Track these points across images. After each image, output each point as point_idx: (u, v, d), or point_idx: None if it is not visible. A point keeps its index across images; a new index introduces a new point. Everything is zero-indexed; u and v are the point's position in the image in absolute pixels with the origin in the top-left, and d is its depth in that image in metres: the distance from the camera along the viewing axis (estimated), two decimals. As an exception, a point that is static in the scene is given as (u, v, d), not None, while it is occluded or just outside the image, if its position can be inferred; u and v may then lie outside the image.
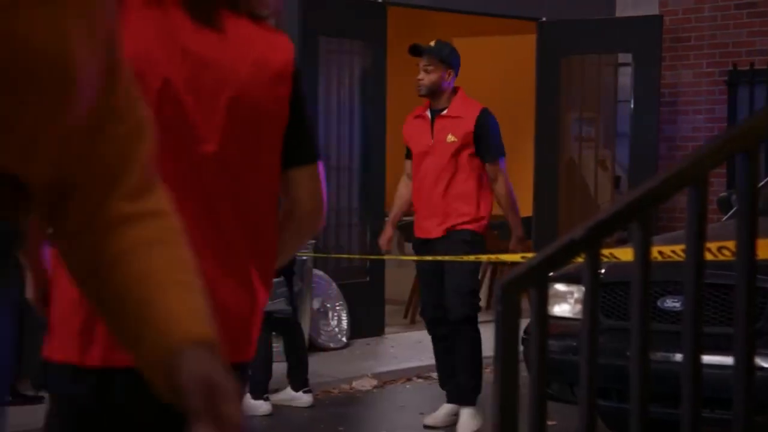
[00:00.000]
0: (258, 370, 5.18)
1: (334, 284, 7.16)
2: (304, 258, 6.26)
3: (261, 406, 5.29)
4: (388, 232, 5.37)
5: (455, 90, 5.15)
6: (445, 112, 5.08)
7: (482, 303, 8.82)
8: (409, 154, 5.24)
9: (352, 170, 7.52)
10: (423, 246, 5.12)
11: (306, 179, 2.01)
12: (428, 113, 5.16)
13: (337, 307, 7.13)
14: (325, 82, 7.27)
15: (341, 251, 7.36)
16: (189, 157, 1.83)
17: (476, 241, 5.04)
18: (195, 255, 1.25)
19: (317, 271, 6.97)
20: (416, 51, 5.18)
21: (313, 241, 6.45)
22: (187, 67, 1.82)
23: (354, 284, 7.36)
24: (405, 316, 8.25)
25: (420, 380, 6.38)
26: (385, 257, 7.07)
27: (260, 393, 5.33)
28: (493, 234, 8.74)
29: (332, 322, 7.10)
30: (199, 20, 1.84)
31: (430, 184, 5.00)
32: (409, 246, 8.34)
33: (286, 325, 5.48)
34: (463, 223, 4.98)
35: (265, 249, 1.94)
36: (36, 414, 5.20)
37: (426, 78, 5.11)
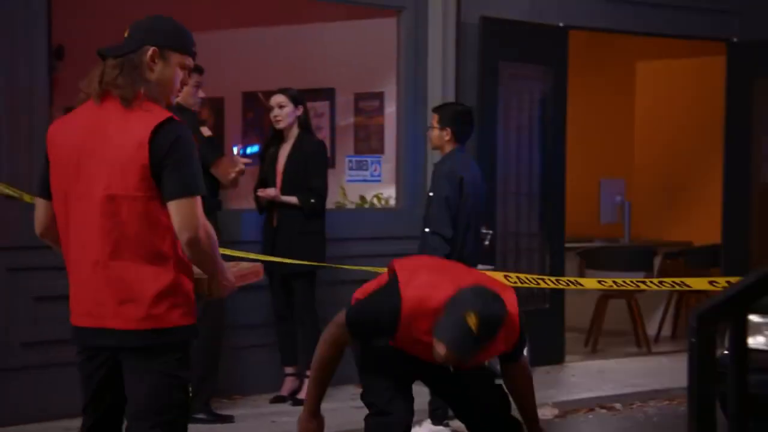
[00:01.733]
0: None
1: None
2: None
3: (441, 432, 5.29)
4: None
5: None
6: None
7: (667, 332, 8.60)
8: None
9: (531, 195, 7.44)
10: None
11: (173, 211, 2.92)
12: None
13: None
14: (504, 108, 7.24)
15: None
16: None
17: None
18: None
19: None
20: None
21: (491, 267, 6.41)
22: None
23: (534, 311, 7.26)
24: (586, 345, 8.08)
25: (603, 411, 6.23)
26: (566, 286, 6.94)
27: (440, 419, 5.34)
28: (678, 262, 8.47)
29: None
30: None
31: None
32: (590, 273, 8.19)
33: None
34: None
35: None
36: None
37: None
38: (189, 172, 2.93)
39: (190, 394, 3.03)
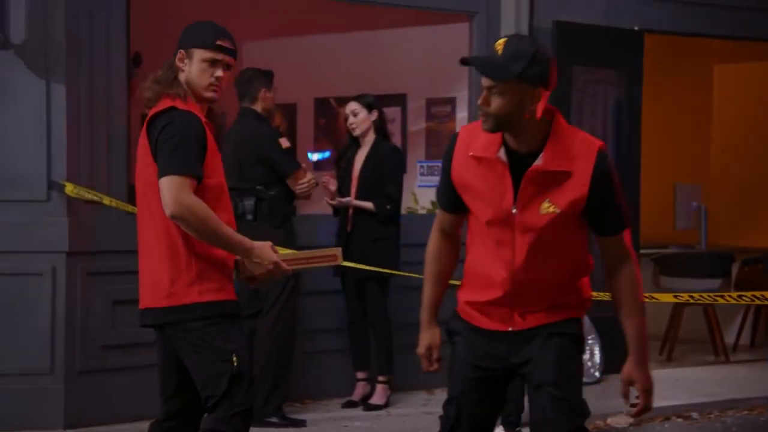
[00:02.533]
0: (513, 403, 5.16)
1: (586, 318, 7.02)
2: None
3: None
4: None
5: None
6: None
7: (745, 341, 8.42)
8: None
9: (605, 201, 7.35)
10: None
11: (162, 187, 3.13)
12: None
13: (590, 341, 6.98)
14: (577, 112, 7.17)
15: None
16: None
17: None
18: None
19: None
20: None
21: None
22: None
23: (607, 318, 7.14)
24: (660, 353, 7.95)
25: (679, 420, 6.13)
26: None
27: (513, 426, 5.30)
28: (757, 268, 8.29)
29: (585, 356, 6.96)
30: None
31: None
32: (665, 280, 8.06)
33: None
34: None
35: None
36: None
37: None
38: (171, 153, 3.15)
39: (235, 363, 3.20)
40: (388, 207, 5.89)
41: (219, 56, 3.28)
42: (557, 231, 2.93)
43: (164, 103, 3.25)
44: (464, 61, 2.94)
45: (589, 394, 7.50)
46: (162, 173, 3.17)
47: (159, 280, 3.27)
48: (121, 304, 5.44)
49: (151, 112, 3.27)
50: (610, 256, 3.03)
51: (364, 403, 5.97)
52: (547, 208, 2.89)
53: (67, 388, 5.35)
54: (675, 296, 5.58)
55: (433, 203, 7.50)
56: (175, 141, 3.16)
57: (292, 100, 8.17)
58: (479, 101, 2.88)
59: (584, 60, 7.12)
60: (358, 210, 5.92)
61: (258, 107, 5.60)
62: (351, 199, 5.93)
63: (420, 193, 7.50)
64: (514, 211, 2.91)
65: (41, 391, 5.33)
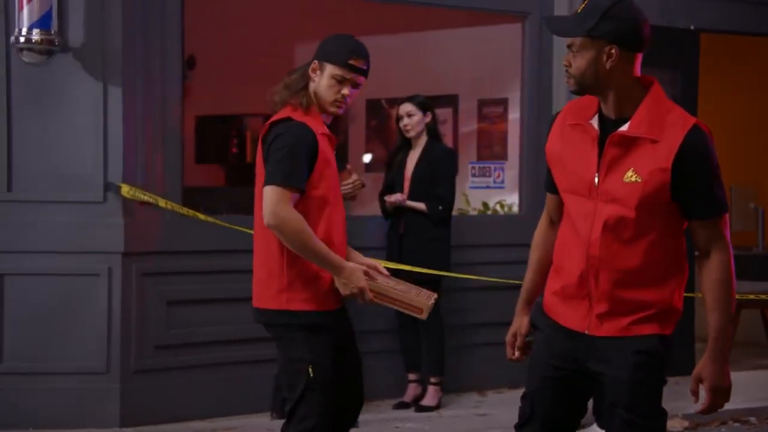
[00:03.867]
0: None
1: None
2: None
3: None
4: None
5: None
6: None
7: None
8: None
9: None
10: None
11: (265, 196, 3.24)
12: None
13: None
14: (632, 113, 7.10)
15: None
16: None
17: None
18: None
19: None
20: None
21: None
22: None
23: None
24: (717, 356, 7.83)
25: (737, 424, 6.03)
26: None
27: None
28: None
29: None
30: None
31: None
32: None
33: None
34: None
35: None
36: None
37: None
38: (278, 163, 3.24)
39: (311, 374, 3.25)
40: (440, 208, 5.88)
41: (348, 75, 3.34)
42: (642, 208, 2.71)
43: (284, 112, 3.34)
44: (544, 21, 2.88)
45: (643, 398, 7.27)
46: (266, 182, 3.25)
47: (257, 282, 3.41)
48: (175, 304, 5.50)
49: (269, 121, 3.35)
50: (700, 243, 2.80)
51: (416, 404, 5.97)
52: (630, 176, 2.72)
53: (122, 387, 5.42)
54: (739, 295, 5.47)
55: (485, 204, 7.47)
56: (283, 152, 3.23)
57: (344, 102, 8.19)
58: (564, 62, 2.83)
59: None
60: (411, 211, 5.92)
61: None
62: (405, 198, 5.93)
63: (471, 194, 7.48)
64: (596, 180, 2.75)
65: (97, 390, 5.40)
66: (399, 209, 5.96)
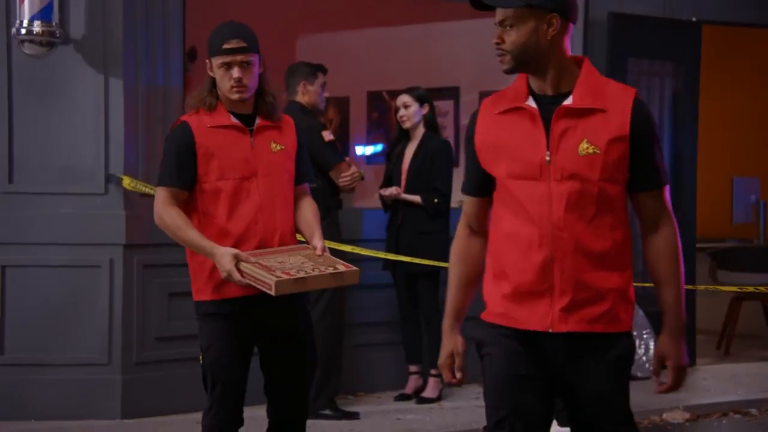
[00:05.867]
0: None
1: (641, 311, 6.95)
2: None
3: None
4: None
5: None
6: None
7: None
8: None
9: (661, 194, 7.27)
10: None
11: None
12: None
13: (645, 335, 6.91)
14: (633, 105, 7.09)
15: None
16: None
17: None
18: None
19: (625, 298, 6.78)
20: None
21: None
22: None
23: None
24: (718, 348, 7.85)
25: (737, 416, 6.04)
26: (700, 287, 6.76)
27: (567, 420, 5.26)
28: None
29: (639, 351, 6.88)
30: None
31: None
32: (722, 273, 7.95)
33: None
34: None
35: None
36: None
37: None
38: (160, 165, 3.46)
39: (200, 361, 3.45)
40: (436, 201, 5.87)
41: (228, 59, 3.38)
42: (604, 180, 2.59)
43: (186, 115, 3.48)
44: (473, 2, 2.70)
45: (644, 390, 7.45)
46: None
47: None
48: (176, 296, 5.50)
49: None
50: (648, 215, 2.68)
51: (417, 396, 5.98)
52: (587, 149, 2.58)
53: (124, 378, 5.43)
54: (739, 288, 5.49)
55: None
56: (164, 154, 3.45)
57: (345, 94, 8.18)
58: (493, 40, 2.66)
59: (640, 52, 7.04)
60: (408, 203, 5.92)
61: (302, 100, 5.61)
62: (400, 191, 5.93)
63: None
64: (547, 158, 2.60)
65: (98, 382, 5.41)
66: (396, 202, 5.96)
